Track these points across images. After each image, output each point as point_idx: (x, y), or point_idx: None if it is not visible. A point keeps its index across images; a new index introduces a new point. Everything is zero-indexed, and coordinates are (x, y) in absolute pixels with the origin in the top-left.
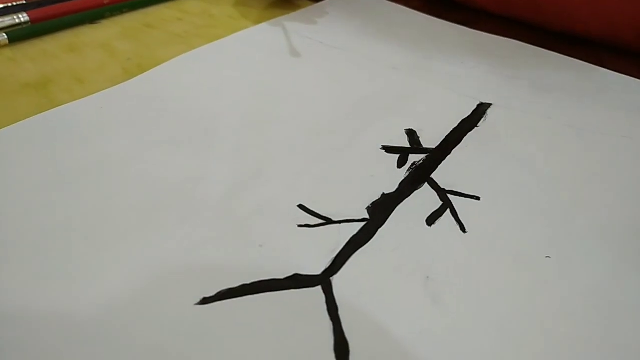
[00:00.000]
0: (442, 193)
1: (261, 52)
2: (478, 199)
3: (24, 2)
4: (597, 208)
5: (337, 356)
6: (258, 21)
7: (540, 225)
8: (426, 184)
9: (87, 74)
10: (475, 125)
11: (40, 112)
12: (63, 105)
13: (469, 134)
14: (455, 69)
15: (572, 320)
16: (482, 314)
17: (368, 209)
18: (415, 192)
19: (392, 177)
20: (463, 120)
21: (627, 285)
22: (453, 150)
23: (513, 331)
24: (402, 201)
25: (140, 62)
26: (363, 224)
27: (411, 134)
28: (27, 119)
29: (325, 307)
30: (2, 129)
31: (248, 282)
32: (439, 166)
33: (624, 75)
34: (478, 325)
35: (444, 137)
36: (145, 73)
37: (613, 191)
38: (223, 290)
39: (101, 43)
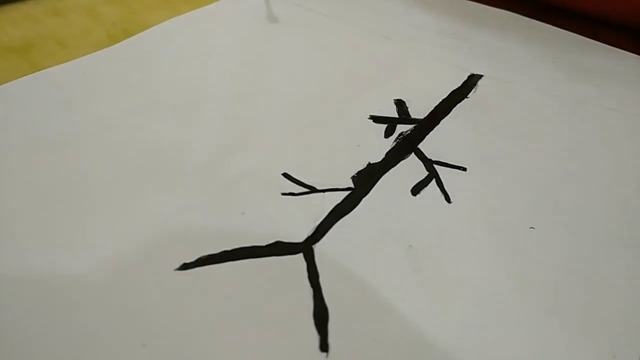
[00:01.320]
0: (428, 163)
1: (249, 19)
2: (465, 169)
3: None
4: (583, 181)
5: (316, 322)
6: None
7: (525, 197)
8: (413, 154)
9: (71, 39)
10: (466, 97)
11: (22, 76)
12: (45, 70)
13: (459, 105)
14: (447, 40)
15: (554, 291)
16: (463, 282)
17: (353, 178)
18: (402, 162)
19: (378, 146)
20: (453, 91)
21: (610, 258)
22: (442, 121)
23: (494, 300)
24: (387, 171)
25: (125, 27)
26: (347, 192)
27: (400, 104)
28: (8, 83)
29: (306, 274)
30: None
31: (229, 249)
32: (427, 136)
33: (617, 49)
34: (459, 293)
35: (433, 108)
36: (130, 38)
37: (601, 164)
38: (204, 256)
39: (86, 7)
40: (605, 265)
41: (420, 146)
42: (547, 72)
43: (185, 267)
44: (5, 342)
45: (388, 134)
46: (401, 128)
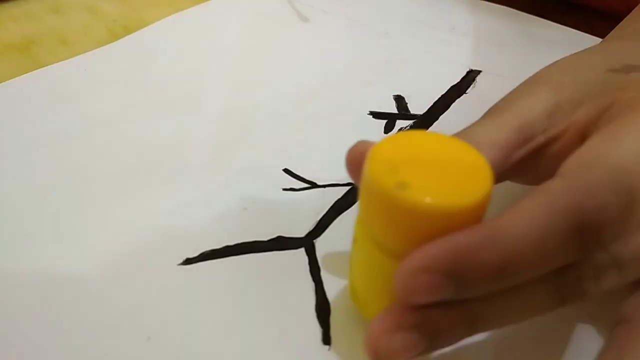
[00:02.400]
0: None
1: (250, 15)
2: None
3: None
4: None
5: (318, 316)
6: None
7: (523, 193)
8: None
9: (72, 36)
10: (464, 92)
11: (23, 74)
12: (46, 67)
13: (458, 100)
14: (446, 35)
15: None
16: None
17: None
18: None
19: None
20: (452, 87)
21: None
22: (441, 117)
23: None
24: None
25: (126, 24)
26: (348, 187)
27: (399, 99)
28: (9, 80)
29: (307, 268)
30: None
31: (231, 244)
32: None
33: None
34: None
35: (432, 103)
36: (131, 35)
37: None
38: (206, 251)
39: (86, 4)
40: None
41: None
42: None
43: (188, 262)
44: (11, 337)
45: (388, 129)
46: (401, 123)
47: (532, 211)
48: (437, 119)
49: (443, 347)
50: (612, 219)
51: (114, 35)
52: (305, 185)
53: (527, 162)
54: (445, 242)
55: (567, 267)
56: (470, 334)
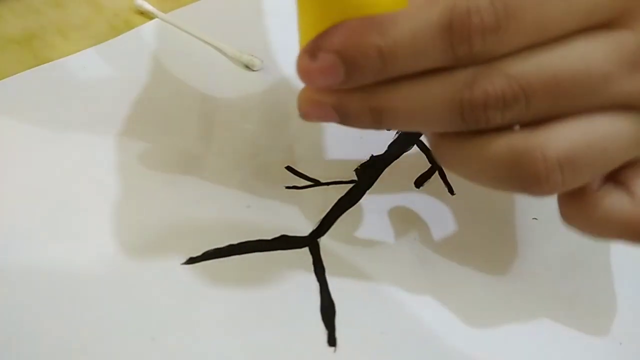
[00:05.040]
0: (431, 155)
1: (249, 12)
2: None
3: None
4: None
5: (323, 317)
6: None
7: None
8: (415, 146)
9: (72, 30)
10: None
11: (24, 68)
12: (45, 64)
13: None
14: None
15: (559, 281)
16: (468, 273)
17: (356, 170)
18: (405, 154)
19: (381, 139)
20: None
21: (613, 248)
22: None
23: (500, 290)
24: (390, 163)
25: (127, 18)
26: (351, 185)
27: None
28: (8, 78)
29: (312, 268)
30: None
31: (235, 243)
32: None
33: None
34: (465, 284)
35: None
36: (132, 30)
37: None
38: (210, 250)
39: None
40: (609, 254)
41: (423, 138)
42: None
43: (191, 261)
44: (14, 338)
45: None
46: None
47: (417, 6)
48: None
49: (354, 126)
50: (485, 24)
51: (116, 29)
52: (309, 183)
53: None
54: (341, 26)
55: (458, 69)
56: (378, 122)
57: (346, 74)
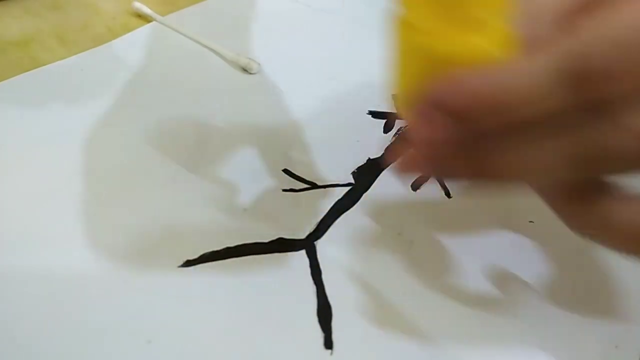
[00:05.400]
0: None
1: (246, 16)
2: None
3: None
4: None
5: (320, 320)
6: None
7: (524, 191)
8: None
9: (71, 33)
10: None
11: (22, 71)
12: (43, 67)
13: None
14: None
15: (554, 283)
16: (464, 276)
17: (353, 173)
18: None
19: (378, 142)
20: None
21: (609, 250)
22: None
23: (495, 293)
24: (387, 166)
25: (125, 22)
26: (348, 188)
27: None
28: (6, 80)
29: (309, 271)
30: None
31: (232, 245)
32: None
33: None
34: (461, 287)
35: None
36: (130, 33)
37: None
38: (207, 253)
39: (85, 1)
40: (606, 257)
41: None
42: None
43: (188, 263)
44: (11, 339)
45: (387, 129)
46: (400, 123)
47: (532, 57)
48: None
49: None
50: (615, 73)
51: (113, 33)
52: (305, 185)
53: None
54: (455, 79)
55: (577, 127)
56: (479, 176)
57: (456, 126)
